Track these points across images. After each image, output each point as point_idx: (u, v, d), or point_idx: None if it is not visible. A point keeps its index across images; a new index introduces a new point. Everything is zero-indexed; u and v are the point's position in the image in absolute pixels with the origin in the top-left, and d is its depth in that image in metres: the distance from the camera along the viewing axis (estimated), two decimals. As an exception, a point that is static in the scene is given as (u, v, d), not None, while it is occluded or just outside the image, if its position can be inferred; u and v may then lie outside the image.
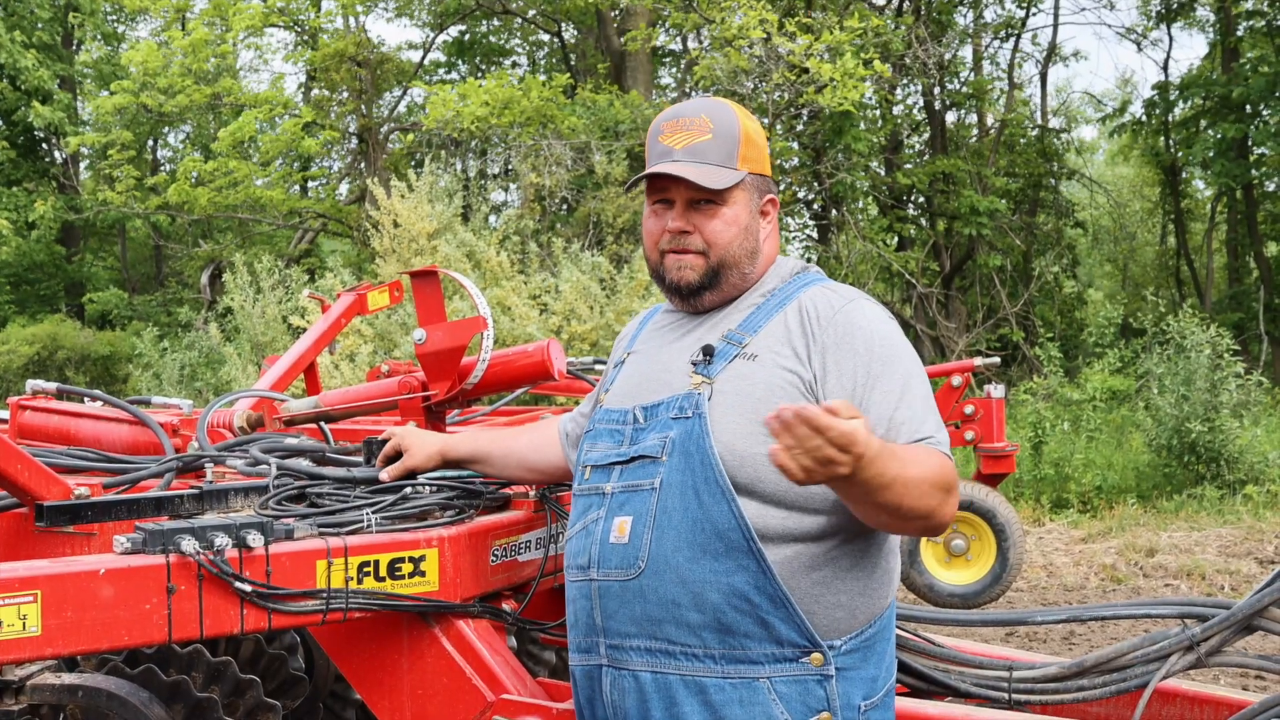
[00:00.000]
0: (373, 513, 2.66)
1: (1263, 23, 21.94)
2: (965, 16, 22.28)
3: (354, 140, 23.15)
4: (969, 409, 7.57)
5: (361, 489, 2.86)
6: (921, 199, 22.03)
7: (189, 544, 2.28)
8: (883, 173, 21.02)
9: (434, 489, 2.88)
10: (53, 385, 4.23)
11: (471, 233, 14.07)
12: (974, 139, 23.10)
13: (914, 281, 18.95)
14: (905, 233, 21.83)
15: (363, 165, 22.30)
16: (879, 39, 15.62)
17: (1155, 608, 2.90)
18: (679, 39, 22.92)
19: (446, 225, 13.95)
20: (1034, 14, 23.25)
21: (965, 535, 7.57)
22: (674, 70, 23.93)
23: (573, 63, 24.09)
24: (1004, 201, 20.48)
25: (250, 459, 3.22)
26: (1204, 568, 9.38)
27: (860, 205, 21.68)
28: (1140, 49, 26.11)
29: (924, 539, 7.62)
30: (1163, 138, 24.16)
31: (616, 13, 21.01)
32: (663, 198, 2.41)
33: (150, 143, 29.96)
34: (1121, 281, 28.85)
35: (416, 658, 2.68)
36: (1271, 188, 23.67)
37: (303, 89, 25.63)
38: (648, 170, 2.39)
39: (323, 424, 4.30)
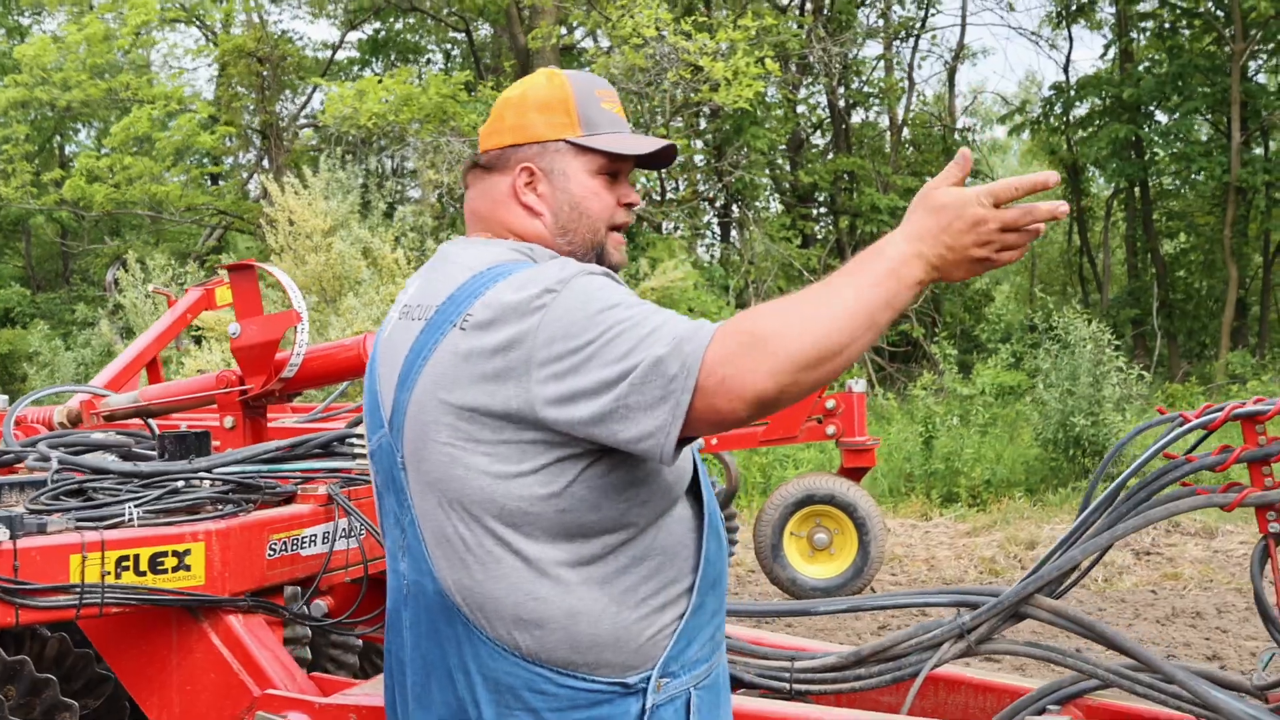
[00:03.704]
0: (137, 506, 2.63)
1: (1156, 26, 22.42)
2: (869, 17, 22.54)
3: (258, 136, 22.80)
4: (830, 403, 7.62)
5: (135, 483, 2.83)
6: (825, 197, 22.22)
7: (-78, 539, 2.25)
8: (788, 169, 21.18)
9: (212, 483, 2.86)
10: None
11: (368, 230, 13.93)
12: (878, 137, 23.33)
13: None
14: (809, 230, 22.01)
15: (264, 162, 21.99)
16: (776, 38, 15.72)
17: (931, 596, 2.96)
18: (589, 37, 22.88)
19: (342, 222, 13.81)
20: (934, 14, 23.60)
21: (828, 529, 7.64)
22: (581, 69, 23.86)
23: (484, 61, 23.94)
24: (906, 200, 20.68)
25: (38, 454, 3.17)
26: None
27: (762, 204, 21.83)
28: (1039, 47, 26.54)
29: (786, 534, 7.65)
30: (1063, 137, 24.60)
31: (525, 11, 20.91)
32: (616, 169, 2.08)
33: (57, 139, 29.23)
34: (1030, 279, 29.37)
35: (185, 653, 2.66)
36: (1167, 185, 24.20)
37: (214, 84, 25.17)
38: (627, 146, 2.06)
39: (148, 419, 4.25)
